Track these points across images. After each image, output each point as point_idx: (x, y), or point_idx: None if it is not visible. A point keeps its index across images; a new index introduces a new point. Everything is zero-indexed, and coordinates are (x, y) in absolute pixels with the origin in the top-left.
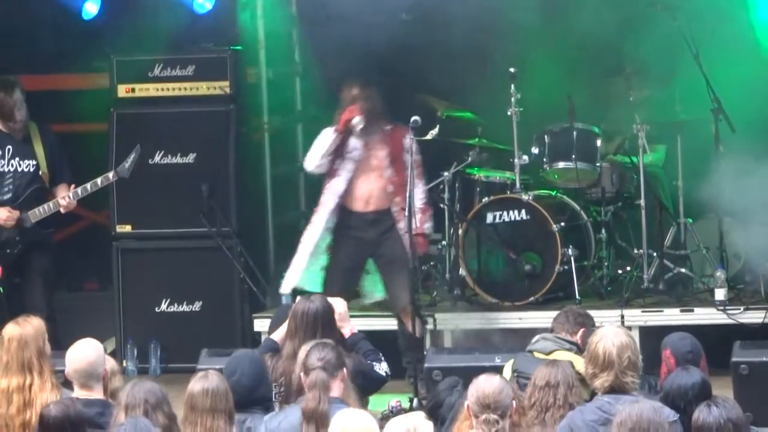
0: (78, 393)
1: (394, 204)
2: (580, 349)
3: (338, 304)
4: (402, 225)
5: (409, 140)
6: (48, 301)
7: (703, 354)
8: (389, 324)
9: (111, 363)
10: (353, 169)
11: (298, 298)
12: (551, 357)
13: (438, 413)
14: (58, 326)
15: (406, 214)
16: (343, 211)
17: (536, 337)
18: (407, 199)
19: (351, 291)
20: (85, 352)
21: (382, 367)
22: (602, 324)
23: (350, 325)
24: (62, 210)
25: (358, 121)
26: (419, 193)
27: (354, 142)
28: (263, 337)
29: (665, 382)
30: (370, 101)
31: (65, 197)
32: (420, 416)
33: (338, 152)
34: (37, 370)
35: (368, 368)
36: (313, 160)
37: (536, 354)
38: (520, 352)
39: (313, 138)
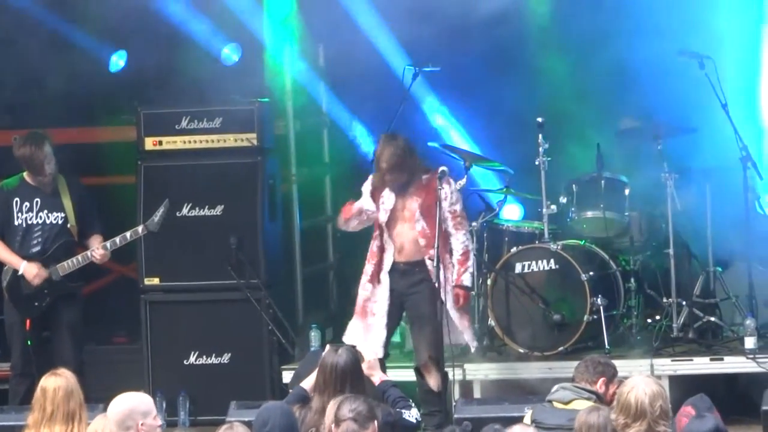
0: None
1: (428, 257)
2: (600, 398)
3: (367, 353)
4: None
5: (446, 189)
6: (77, 354)
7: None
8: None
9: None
10: (387, 219)
11: (327, 347)
12: (570, 407)
13: None
14: (87, 379)
15: (455, 264)
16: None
17: (555, 387)
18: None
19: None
20: (119, 405)
21: (412, 414)
22: (632, 374)
23: (379, 373)
24: (98, 261)
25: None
26: (457, 244)
27: (388, 194)
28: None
29: (685, 429)
30: (401, 155)
31: (99, 248)
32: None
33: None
34: (78, 420)
35: (397, 417)
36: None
37: (555, 404)
38: (539, 402)
39: (340, 189)
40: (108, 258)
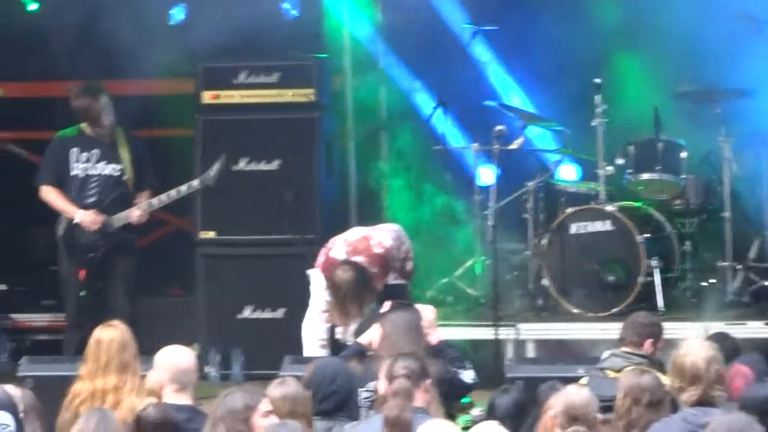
0: (168, 398)
1: None
2: (651, 361)
3: (426, 312)
4: None
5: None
6: (130, 305)
7: None
8: (474, 333)
9: None
10: None
11: (388, 304)
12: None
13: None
14: (140, 331)
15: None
16: None
17: (606, 353)
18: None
19: None
20: (186, 357)
21: (468, 375)
22: (686, 337)
23: (437, 333)
24: (134, 222)
25: None
26: None
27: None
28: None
29: (744, 392)
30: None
31: (138, 208)
32: (496, 425)
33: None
34: (132, 371)
35: (453, 375)
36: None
37: (608, 372)
38: (592, 371)
39: (396, 145)
40: (145, 219)
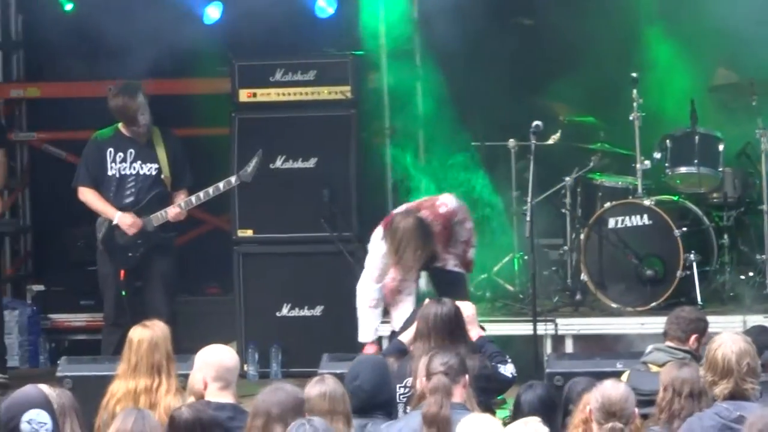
0: (210, 396)
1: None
2: (694, 357)
3: (466, 308)
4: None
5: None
6: (169, 304)
7: None
8: (513, 329)
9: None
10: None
11: (427, 300)
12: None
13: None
14: (179, 330)
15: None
16: None
17: (649, 348)
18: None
19: None
20: (230, 355)
21: (507, 369)
22: (724, 330)
23: (477, 328)
24: (170, 219)
25: None
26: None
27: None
28: (383, 342)
29: None
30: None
31: (176, 206)
32: (536, 421)
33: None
34: (165, 372)
35: (493, 371)
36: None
37: (650, 366)
38: (634, 366)
39: (434, 143)
40: (183, 217)
